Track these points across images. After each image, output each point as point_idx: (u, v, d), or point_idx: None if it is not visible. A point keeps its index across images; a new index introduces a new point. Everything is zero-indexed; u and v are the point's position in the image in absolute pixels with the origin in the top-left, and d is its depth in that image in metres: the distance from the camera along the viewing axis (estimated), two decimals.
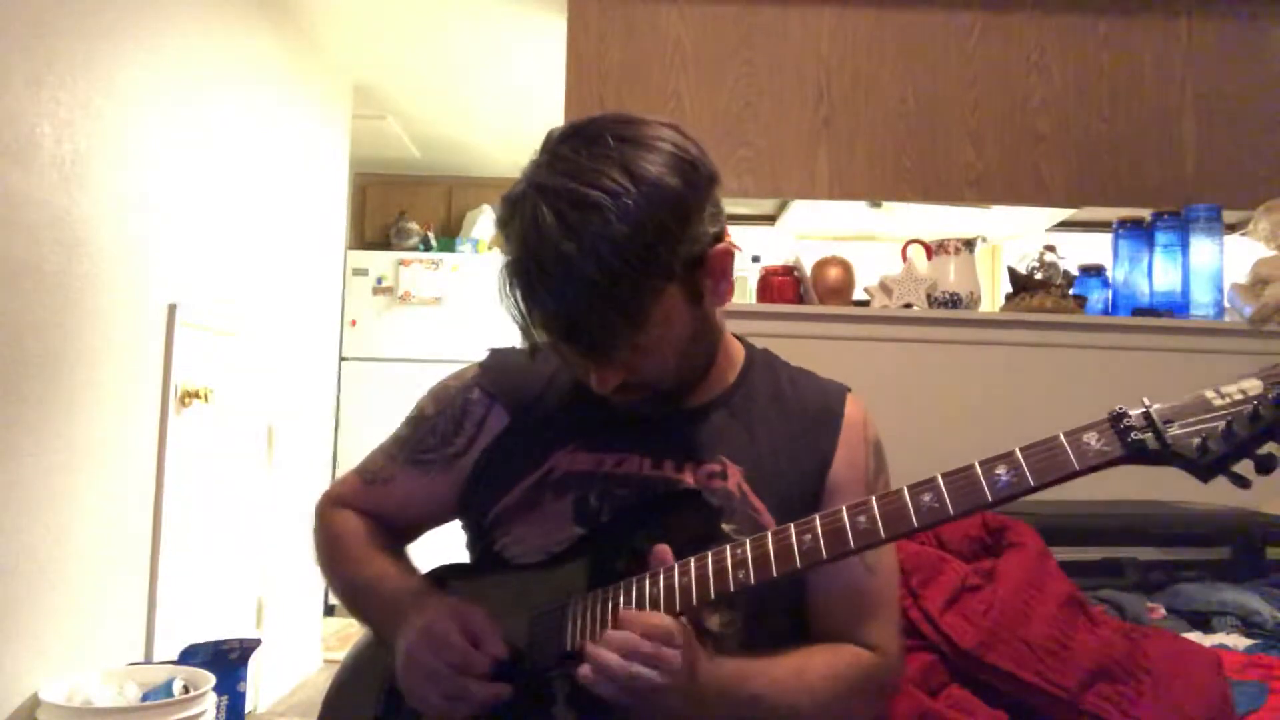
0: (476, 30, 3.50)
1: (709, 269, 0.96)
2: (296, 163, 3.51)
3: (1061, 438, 0.80)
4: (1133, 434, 0.77)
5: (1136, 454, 0.77)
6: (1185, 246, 2.27)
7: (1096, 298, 2.39)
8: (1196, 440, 0.76)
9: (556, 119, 2.54)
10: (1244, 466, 0.76)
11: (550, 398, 1.10)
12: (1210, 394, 0.77)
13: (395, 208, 5.13)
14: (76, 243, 2.18)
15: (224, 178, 2.91)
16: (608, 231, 0.86)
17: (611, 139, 0.90)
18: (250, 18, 3.11)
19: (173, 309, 2.58)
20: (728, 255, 0.98)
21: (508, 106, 4.25)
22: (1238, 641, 1.38)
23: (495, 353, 1.17)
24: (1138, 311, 2.26)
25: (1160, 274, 2.29)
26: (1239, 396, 0.76)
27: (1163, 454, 0.77)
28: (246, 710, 2.68)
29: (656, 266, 0.90)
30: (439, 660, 0.92)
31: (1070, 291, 2.30)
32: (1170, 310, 2.24)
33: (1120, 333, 2.20)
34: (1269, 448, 0.75)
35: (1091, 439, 0.79)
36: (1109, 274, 2.40)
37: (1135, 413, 0.78)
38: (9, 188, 1.97)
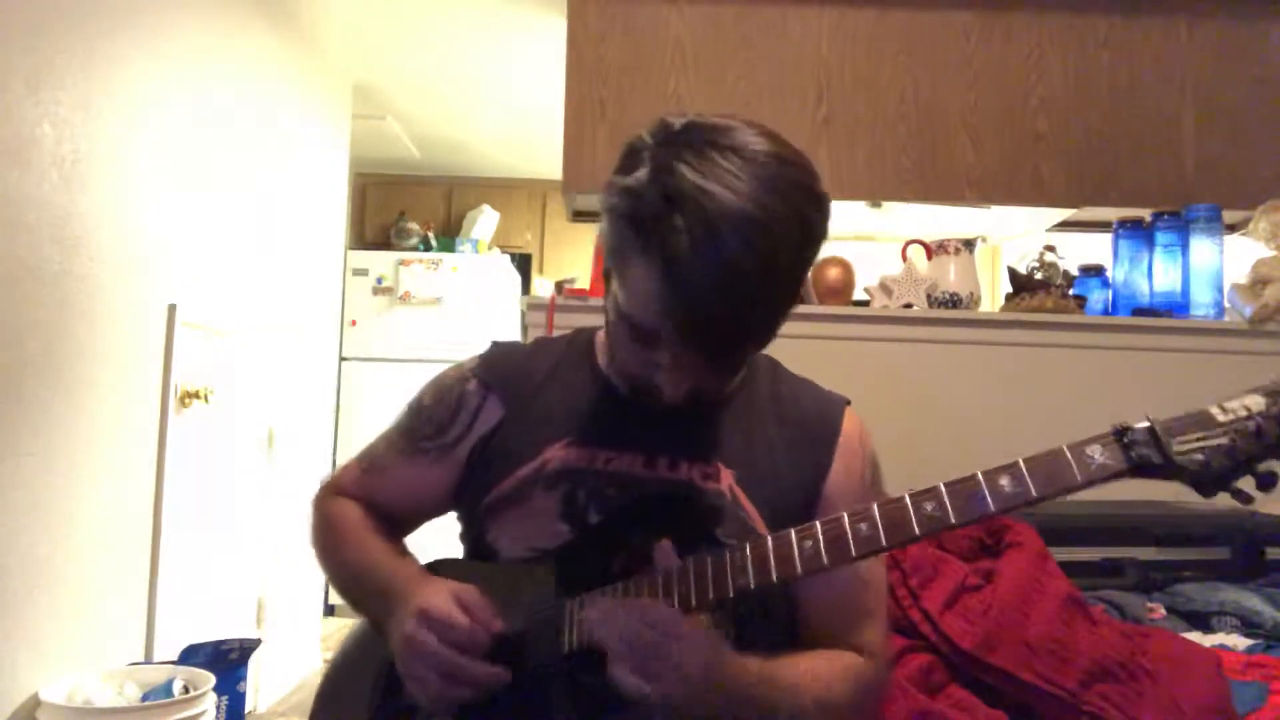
0: (476, 30, 3.50)
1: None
2: (296, 163, 3.51)
3: (1065, 450, 0.80)
4: (1136, 449, 0.78)
5: (1140, 468, 0.78)
6: (1185, 246, 2.26)
7: (1096, 298, 2.39)
8: (1199, 456, 0.76)
9: (557, 119, 2.57)
10: (1247, 482, 0.76)
11: (548, 392, 1.10)
12: (1214, 409, 0.77)
13: (395, 208, 5.13)
14: (76, 243, 2.18)
15: (224, 178, 2.91)
16: (782, 259, 0.88)
17: (765, 157, 0.88)
18: (250, 18, 3.11)
19: (173, 309, 2.57)
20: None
21: (508, 106, 4.26)
22: (1238, 641, 1.38)
23: (495, 345, 1.18)
24: (1138, 311, 2.26)
25: (1160, 274, 2.29)
26: (1242, 413, 0.76)
27: (1166, 469, 0.77)
28: (246, 710, 2.67)
29: (800, 290, 0.95)
30: (438, 638, 0.92)
31: (1070, 291, 2.30)
32: (1170, 310, 2.24)
33: (1120, 333, 2.20)
34: (1271, 464, 0.75)
35: (1095, 452, 0.79)
36: (1109, 274, 2.40)
37: (1139, 427, 0.78)
38: (9, 188, 1.97)
